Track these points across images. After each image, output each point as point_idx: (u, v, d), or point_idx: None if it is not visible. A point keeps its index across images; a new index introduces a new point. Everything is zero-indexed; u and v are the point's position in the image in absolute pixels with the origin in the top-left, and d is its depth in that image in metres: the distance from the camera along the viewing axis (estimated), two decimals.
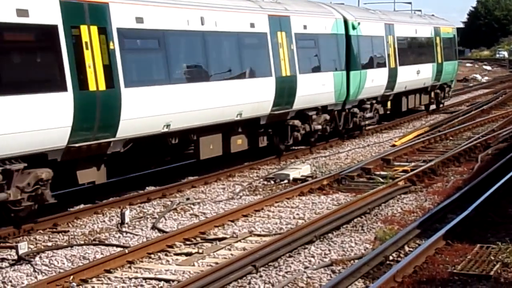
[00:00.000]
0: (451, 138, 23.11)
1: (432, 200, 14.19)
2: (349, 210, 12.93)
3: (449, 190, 15.08)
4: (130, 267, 10.11)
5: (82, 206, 13.68)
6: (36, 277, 9.60)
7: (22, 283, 9.35)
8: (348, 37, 21.91)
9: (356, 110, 22.61)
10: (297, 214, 13.37)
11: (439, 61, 29.61)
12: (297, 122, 19.06)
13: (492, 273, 9.42)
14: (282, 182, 16.34)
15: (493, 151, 19.73)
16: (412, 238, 11.20)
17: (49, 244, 11.38)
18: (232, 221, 12.71)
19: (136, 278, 9.61)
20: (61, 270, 9.86)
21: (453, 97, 40.99)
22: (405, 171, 17.09)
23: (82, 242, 11.38)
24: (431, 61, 28.71)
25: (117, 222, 12.63)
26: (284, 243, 10.78)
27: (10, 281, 9.38)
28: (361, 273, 9.46)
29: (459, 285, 9.14)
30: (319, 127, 20.18)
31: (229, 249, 11.10)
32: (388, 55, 24.49)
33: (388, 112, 25.71)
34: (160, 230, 12.11)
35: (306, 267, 9.98)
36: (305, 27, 19.47)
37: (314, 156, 20.00)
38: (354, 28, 22.14)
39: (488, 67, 71.55)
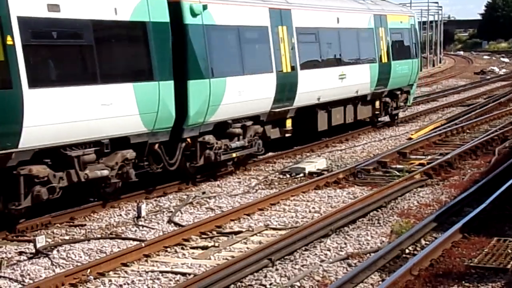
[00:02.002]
0: (468, 131, 22.97)
1: (448, 193, 14.13)
2: (365, 204, 12.91)
3: (466, 183, 15.00)
4: (146, 261, 10.16)
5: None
6: (53, 271, 9.67)
7: (40, 276, 9.43)
8: (180, 27, 13.79)
9: (210, 138, 14.90)
10: (313, 207, 13.36)
11: (384, 60, 22.41)
12: None
13: (509, 266, 9.37)
14: (297, 176, 16.33)
15: (510, 144, 19.60)
16: (428, 231, 11.16)
17: (66, 237, 11.46)
18: (248, 214, 12.73)
19: (152, 271, 9.66)
20: (78, 264, 9.93)
21: (470, 90, 40.70)
22: (422, 165, 17.02)
23: (99, 236, 11.45)
24: (368, 61, 21.47)
25: (134, 216, 12.69)
26: (300, 236, 10.79)
27: (29, 274, 9.46)
28: (377, 267, 9.45)
29: (476, 278, 9.10)
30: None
31: (245, 243, 11.12)
32: (280, 54, 16.76)
33: (287, 134, 17.88)
34: (176, 224, 12.16)
35: (322, 261, 9.98)
36: None
37: (330, 150, 19.97)
38: (194, 14, 14.01)
39: (506, 59, 71.03)
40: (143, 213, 12.66)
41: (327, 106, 19.62)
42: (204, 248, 10.80)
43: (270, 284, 9.10)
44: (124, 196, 13.97)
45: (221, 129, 15.20)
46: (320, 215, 12.61)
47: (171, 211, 13.03)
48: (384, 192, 13.94)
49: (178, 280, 9.34)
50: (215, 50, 14.72)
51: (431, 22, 71.64)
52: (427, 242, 10.68)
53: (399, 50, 23.83)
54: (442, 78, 51.68)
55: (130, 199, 13.88)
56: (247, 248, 10.76)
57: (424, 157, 18.22)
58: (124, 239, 11.26)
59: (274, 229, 11.92)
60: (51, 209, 12.47)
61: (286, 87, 17.16)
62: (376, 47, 22.25)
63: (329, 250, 10.49)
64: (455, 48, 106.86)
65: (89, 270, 9.43)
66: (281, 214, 12.87)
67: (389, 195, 13.73)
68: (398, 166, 17.04)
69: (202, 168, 15.28)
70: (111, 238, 11.27)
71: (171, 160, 14.03)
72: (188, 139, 14.34)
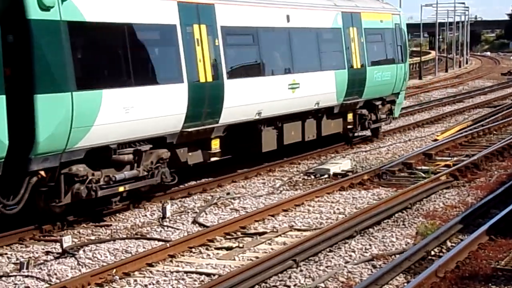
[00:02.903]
0: (494, 132, 22.75)
1: (475, 195, 14.01)
2: (390, 205, 12.84)
3: (493, 185, 14.86)
4: (171, 261, 10.21)
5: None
6: (80, 270, 9.76)
7: (67, 275, 9.51)
8: (22, 24, 10.49)
9: (80, 169, 11.54)
10: (338, 209, 13.32)
11: (356, 66, 19.03)
12: None
13: None
14: (322, 177, 16.29)
15: None
16: (454, 233, 11.08)
17: (92, 237, 11.56)
18: (273, 215, 12.73)
19: (177, 271, 9.70)
20: (104, 264, 10.00)
21: (497, 91, 40.32)
22: (447, 166, 16.89)
23: (124, 236, 11.52)
24: (333, 68, 18.04)
25: (159, 217, 12.76)
26: (324, 237, 10.76)
27: (55, 274, 9.55)
28: (402, 268, 9.39)
29: (503, 280, 9.01)
30: None
31: (270, 244, 11.12)
32: (194, 60, 13.48)
33: (213, 158, 14.96)
34: (201, 225, 12.20)
35: (346, 262, 9.95)
36: None
37: (355, 151, 19.89)
38: (45, 6, 10.62)
39: None
40: (168, 214, 12.72)
41: (276, 122, 16.36)
42: (228, 248, 10.83)
43: (295, 285, 9.10)
44: (149, 197, 14.05)
45: (100, 156, 11.83)
46: (344, 216, 12.57)
47: (196, 212, 13.08)
48: (409, 193, 13.86)
49: (202, 281, 9.36)
50: (83, 54, 11.36)
51: (457, 22, 71.04)
52: (453, 244, 10.59)
53: (378, 54, 20.39)
54: (468, 79, 51.26)
55: (155, 199, 13.95)
56: (272, 249, 10.75)
57: (450, 158, 18.08)
58: (149, 239, 11.32)
59: (298, 230, 11.91)
60: (78, 209, 12.58)
61: (206, 101, 13.64)
62: (345, 50, 18.60)
63: (353, 251, 10.46)
64: (481, 49, 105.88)
65: (114, 270, 9.49)
66: (305, 215, 12.85)
67: (414, 196, 13.65)
68: (424, 167, 16.92)
69: (83, 206, 12.32)
70: (136, 238, 11.34)
71: (13, 199, 10.59)
72: (42, 172, 10.84)
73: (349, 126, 19.60)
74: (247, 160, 17.10)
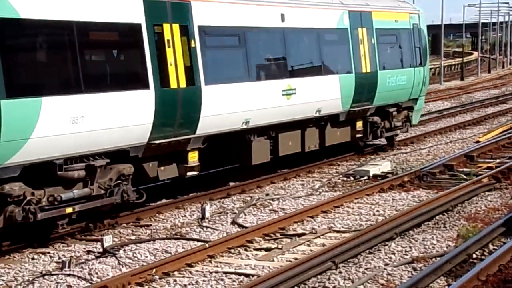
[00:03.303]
0: None
1: None
2: (430, 207, 12.70)
3: None
4: (210, 261, 10.25)
5: (164, 201, 13.95)
6: (120, 270, 9.86)
7: (107, 275, 9.62)
8: None
9: (14, 188, 10.10)
10: (377, 210, 13.23)
11: (366, 69, 17.39)
12: None
13: None
14: (361, 179, 16.19)
15: None
16: (496, 236, 10.90)
17: (133, 237, 11.67)
18: (312, 217, 12.70)
19: (216, 272, 9.73)
20: (144, 263, 10.09)
21: None
22: (490, 168, 16.64)
23: (164, 236, 11.61)
24: (338, 72, 16.46)
25: (198, 217, 12.82)
26: (364, 239, 10.70)
27: (96, 273, 9.67)
28: (443, 271, 9.28)
29: None
30: None
31: (308, 245, 11.09)
32: (164, 63, 12.09)
33: (191, 173, 13.04)
34: (240, 225, 12.22)
35: (386, 264, 9.87)
36: None
37: (395, 153, 19.72)
38: None
39: None
40: (207, 214, 12.77)
41: (269, 131, 14.82)
42: (267, 249, 10.82)
43: (334, 287, 9.05)
44: (188, 197, 14.13)
45: (43, 173, 10.43)
46: (384, 218, 12.47)
47: (235, 213, 13.11)
48: (450, 195, 13.68)
49: (241, 281, 9.38)
50: (16, 56, 9.97)
51: (501, 23, 69.95)
52: (495, 247, 10.43)
53: (392, 56, 18.75)
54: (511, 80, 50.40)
55: (194, 200, 14.03)
56: (311, 250, 10.73)
57: (492, 160, 17.80)
58: (188, 239, 11.38)
59: (337, 231, 11.86)
60: (118, 209, 12.72)
61: (178, 109, 12.21)
62: (353, 53, 16.96)
63: (393, 253, 10.37)
64: None
65: (154, 270, 9.57)
66: (344, 217, 12.79)
67: (455, 198, 13.47)
68: (465, 169, 16.70)
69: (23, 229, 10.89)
70: (175, 239, 11.41)
71: None
72: None
73: (358, 135, 17.90)
74: (286, 162, 17.09)
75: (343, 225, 12.20)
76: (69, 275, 9.56)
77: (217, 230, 11.96)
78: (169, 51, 12.15)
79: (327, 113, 16.29)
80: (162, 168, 12.55)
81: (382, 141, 19.84)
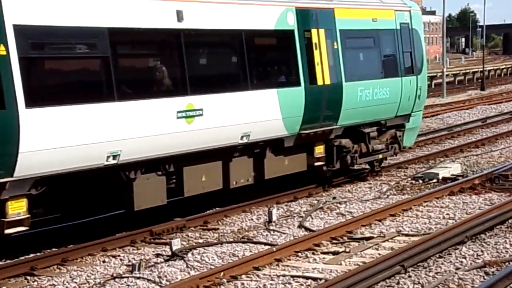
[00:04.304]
0: None
1: None
2: (503, 210, 12.37)
3: None
4: (277, 265, 10.24)
5: (231, 205, 14.02)
6: (188, 273, 9.95)
7: (176, 278, 9.72)
8: None
9: None
10: (447, 214, 12.97)
11: (323, 81, 13.75)
12: None
13: None
14: (430, 181, 15.91)
15: None
16: None
17: (200, 241, 11.77)
18: (380, 220, 12.55)
19: (284, 275, 9.72)
20: (212, 266, 10.16)
21: None
22: None
23: (231, 240, 11.66)
24: (277, 85, 13.08)
25: (265, 221, 12.84)
26: (433, 243, 10.50)
27: (165, 276, 9.79)
28: None
29: None
30: None
31: (377, 249, 10.96)
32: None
33: (13, 230, 9.62)
34: (307, 229, 12.18)
35: (457, 268, 9.66)
36: None
37: (465, 155, 19.30)
38: None
39: None
40: (274, 218, 12.77)
41: (165, 165, 11.47)
42: (335, 253, 10.75)
43: None
44: (255, 201, 14.17)
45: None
46: (454, 221, 12.21)
47: (302, 216, 13.07)
48: None
49: (309, 285, 9.34)
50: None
51: None
52: None
53: (367, 64, 15.10)
54: None
55: (261, 203, 14.05)
56: (379, 254, 10.60)
57: None
58: (255, 243, 11.41)
59: (406, 235, 11.68)
60: (186, 212, 12.86)
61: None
62: (301, 60, 13.31)
63: (464, 257, 10.14)
64: None
65: (222, 273, 9.62)
66: (413, 220, 12.58)
67: None
68: None
69: None
70: (243, 242, 11.46)
71: None
72: None
73: (318, 163, 14.25)
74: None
75: (412, 229, 12.01)
76: (139, 278, 9.71)
77: (284, 233, 11.94)
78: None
79: (260, 139, 12.74)
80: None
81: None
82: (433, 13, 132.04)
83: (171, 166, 11.56)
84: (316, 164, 14.30)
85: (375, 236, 11.63)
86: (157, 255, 10.92)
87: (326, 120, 14.03)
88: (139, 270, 9.99)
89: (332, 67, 14.00)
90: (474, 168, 17.34)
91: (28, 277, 9.88)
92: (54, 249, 10.96)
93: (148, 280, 9.63)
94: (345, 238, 11.57)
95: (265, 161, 13.24)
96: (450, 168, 16.64)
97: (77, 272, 10.11)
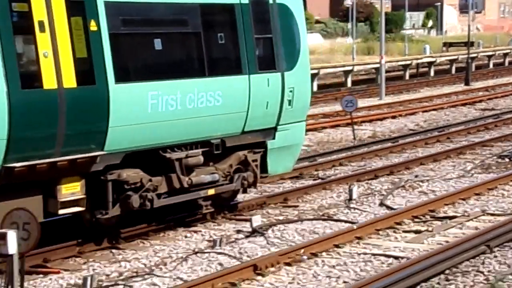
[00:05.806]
0: None
1: None
2: None
3: None
4: (358, 243, 10.16)
5: (311, 182, 13.98)
6: (269, 249, 10.00)
7: (256, 254, 9.79)
8: None
9: None
10: None
11: (55, 83, 8.72)
12: None
13: None
14: None
15: None
16: None
17: (280, 218, 11.79)
18: (464, 199, 12.26)
19: (364, 253, 9.64)
20: (292, 243, 10.17)
21: None
22: None
23: (311, 217, 11.64)
24: None
25: (345, 198, 12.74)
26: None
27: (246, 252, 9.87)
28: None
29: None
30: None
31: (460, 228, 10.72)
32: None
33: None
34: (388, 207, 12.02)
35: None
36: None
37: None
38: None
39: None
40: (355, 196, 12.66)
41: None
42: (417, 232, 10.58)
43: (488, 271, 8.69)
44: (335, 178, 14.07)
45: None
46: None
47: (383, 194, 12.90)
48: None
49: (390, 263, 9.23)
50: None
51: None
52: None
53: (173, 54, 10.38)
54: None
55: (341, 181, 13.95)
56: (463, 233, 10.36)
57: None
58: (336, 220, 11.34)
59: (491, 214, 11.38)
60: (266, 190, 12.90)
61: None
62: (3, 53, 8.29)
63: None
64: None
65: (302, 250, 9.62)
66: (499, 200, 12.24)
67: None
68: None
69: None
70: (323, 220, 11.41)
71: None
72: None
73: (69, 210, 9.30)
74: (435, 142, 16.57)
75: (498, 208, 11.69)
76: (220, 253, 9.83)
77: (364, 211, 11.83)
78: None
79: None
80: None
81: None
82: None
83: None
84: (63, 211, 9.26)
85: (459, 215, 11.37)
86: (238, 231, 11.01)
87: (78, 143, 9.13)
88: (220, 245, 10.11)
89: (81, 60, 9.15)
90: None
91: (114, 251, 10.15)
92: (137, 226, 11.20)
93: (229, 255, 9.73)
94: (428, 217, 11.36)
95: None
96: None
97: (160, 247, 10.31)
